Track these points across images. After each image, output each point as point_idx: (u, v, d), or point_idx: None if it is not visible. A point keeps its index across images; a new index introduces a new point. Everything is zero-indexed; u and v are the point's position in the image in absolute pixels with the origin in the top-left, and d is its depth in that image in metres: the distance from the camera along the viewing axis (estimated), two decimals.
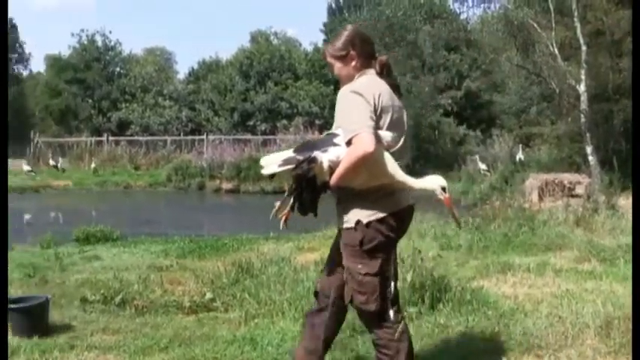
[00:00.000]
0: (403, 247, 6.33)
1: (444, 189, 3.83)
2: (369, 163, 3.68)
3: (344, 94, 3.89)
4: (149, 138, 43.28)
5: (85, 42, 60.68)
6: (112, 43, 60.94)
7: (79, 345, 5.55)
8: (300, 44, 59.37)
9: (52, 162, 36.41)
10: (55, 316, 6.37)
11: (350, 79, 4.05)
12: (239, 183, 30.32)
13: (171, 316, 6.55)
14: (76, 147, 41.43)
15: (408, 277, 6.18)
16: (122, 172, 35.10)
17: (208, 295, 7.01)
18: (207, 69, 56.79)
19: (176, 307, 6.78)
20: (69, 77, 59.75)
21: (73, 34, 70.94)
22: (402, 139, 3.97)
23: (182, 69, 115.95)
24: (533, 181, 17.59)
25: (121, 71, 59.94)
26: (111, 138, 42.41)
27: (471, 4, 30.51)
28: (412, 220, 4.16)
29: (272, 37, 60.87)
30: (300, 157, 3.84)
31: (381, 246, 3.91)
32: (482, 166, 26.89)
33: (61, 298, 7.10)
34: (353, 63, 4.07)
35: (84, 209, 19.82)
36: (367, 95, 3.80)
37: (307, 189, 3.91)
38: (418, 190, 3.86)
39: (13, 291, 7.29)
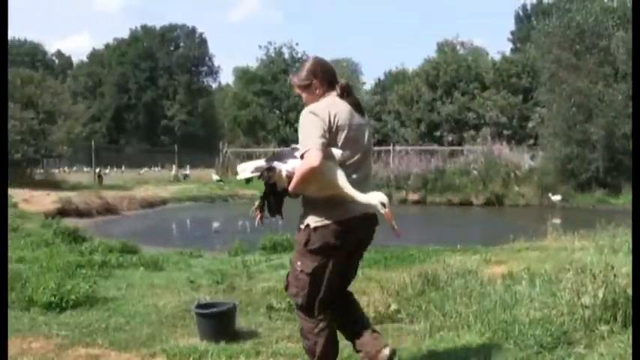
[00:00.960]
0: (595, 262, 6.05)
1: (383, 204, 4.30)
2: (316, 175, 4.22)
3: (303, 114, 4.41)
4: None
5: (273, 54, 62.49)
6: (299, 55, 62.40)
7: (264, 351, 5.69)
8: (487, 53, 58.46)
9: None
10: (241, 322, 6.57)
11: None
12: (425, 194, 30.23)
13: None
14: (264, 157, 42.68)
15: (600, 294, 5.90)
16: None
17: (393, 306, 6.99)
18: (394, 79, 57.09)
19: None
20: (257, 89, 61.72)
21: (260, 47, 73.64)
22: (359, 155, 4.50)
23: (368, 80, 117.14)
24: None
25: None
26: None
27: None
28: (373, 231, 4.67)
29: (458, 47, 60.36)
30: (265, 165, 4.51)
31: (322, 250, 4.41)
32: None
33: (247, 305, 7.32)
34: (317, 91, 4.58)
35: (270, 218, 20.36)
36: (322, 115, 4.33)
37: (272, 194, 4.61)
38: (371, 203, 4.33)
39: (202, 296, 7.60)
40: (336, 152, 4.33)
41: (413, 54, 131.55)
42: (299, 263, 4.52)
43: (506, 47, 70.61)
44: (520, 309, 6.40)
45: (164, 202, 28.12)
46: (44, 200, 22.06)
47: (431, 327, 6.27)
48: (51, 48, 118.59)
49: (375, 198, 4.33)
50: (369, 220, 4.53)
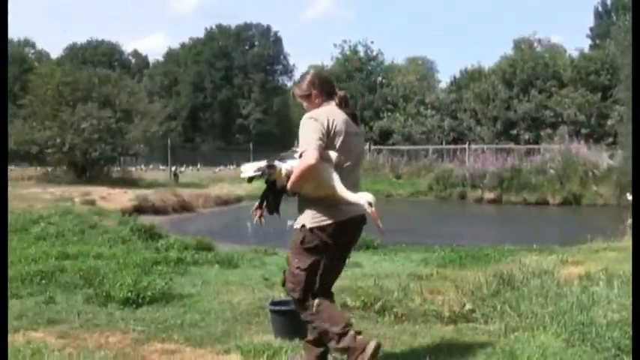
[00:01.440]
0: None
1: (370, 204, 4.68)
2: (312, 173, 4.62)
3: (303, 120, 4.86)
4: (411, 147, 43.77)
5: (348, 52, 62.52)
6: (374, 53, 62.33)
7: (339, 350, 5.69)
8: (565, 50, 57.39)
9: None
10: None
11: None
12: (501, 193, 29.88)
13: (430, 325, 6.54)
14: None
15: None
16: (383, 181, 35.72)
17: (468, 306, 6.93)
18: (470, 77, 56.52)
19: (435, 316, 6.77)
20: None
21: (335, 45, 73.66)
22: (351, 161, 4.91)
23: (444, 77, 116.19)
24: None
25: (383, 81, 61.06)
26: (373, 147, 43.33)
27: None
28: (361, 231, 5.12)
29: (535, 44, 59.45)
30: (265, 164, 4.92)
31: (317, 249, 4.83)
32: None
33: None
34: (316, 100, 5.05)
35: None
36: (321, 119, 4.78)
37: (271, 191, 5.02)
38: (360, 203, 4.70)
39: (277, 294, 7.64)
40: (332, 154, 4.74)
41: (489, 51, 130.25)
42: (296, 261, 4.92)
43: (585, 44, 69.15)
44: (597, 310, 6.28)
45: (239, 199, 28.37)
46: (121, 198, 22.51)
47: (506, 327, 6.21)
48: (128, 48, 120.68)
49: (363, 198, 4.71)
50: (359, 221, 4.97)
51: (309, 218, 4.84)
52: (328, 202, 4.77)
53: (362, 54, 62.35)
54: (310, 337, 5.14)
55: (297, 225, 4.93)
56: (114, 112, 30.72)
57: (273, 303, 6.39)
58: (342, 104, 5.03)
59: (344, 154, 4.82)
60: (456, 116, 51.78)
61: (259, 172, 4.94)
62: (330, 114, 4.85)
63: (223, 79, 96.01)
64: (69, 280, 8.76)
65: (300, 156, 4.69)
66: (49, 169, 31.77)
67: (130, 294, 7.36)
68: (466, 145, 38.14)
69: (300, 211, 4.95)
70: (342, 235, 4.90)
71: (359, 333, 4.86)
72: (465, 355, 5.41)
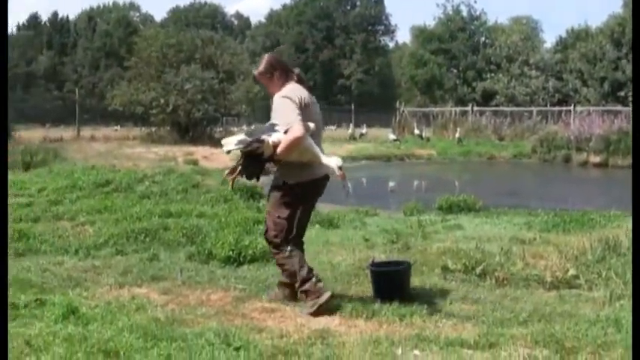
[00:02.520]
0: None
1: (339, 167, 5.62)
2: (300, 143, 5.51)
3: (277, 98, 5.72)
4: (514, 109, 42.98)
5: (450, 12, 61.67)
6: (477, 13, 61.31)
7: (438, 312, 5.65)
8: None
9: (416, 131, 37.58)
10: (415, 282, 6.55)
11: (278, 90, 5.80)
12: (607, 156, 28.94)
13: (532, 290, 6.42)
14: (441, 117, 42.29)
15: None
16: (486, 143, 35.22)
17: (571, 272, 6.76)
18: (576, 37, 54.94)
19: (537, 281, 6.63)
20: (434, 48, 61.22)
21: (437, 5, 73.03)
22: (318, 129, 5.83)
23: (549, 38, 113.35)
24: None
25: (487, 41, 60.07)
26: (475, 108, 42.71)
27: None
28: (325, 187, 6.01)
29: None
30: (251, 139, 5.60)
31: (295, 201, 5.83)
32: None
33: (422, 265, 7.28)
34: (278, 81, 5.89)
35: (447, 179, 20.21)
36: (294, 97, 5.64)
37: (253, 161, 5.69)
38: (330, 165, 5.65)
39: (377, 255, 7.63)
40: (310, 125, 5.64)
41: (597, 10, 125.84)
42: (277, 211, 5.85)
43: None
44: None
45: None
46: (223, 158, 22.77)
47: (611, 295, 6.04)
48: (230, 10, 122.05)
49: (333, 161, 5.64)
50: (325, 180, 5.97)
51: (291, 177, 5.79)
52: (305, 165, 5.72)
53: (465, 14, 61.44)
54: (282, 278, 6.10)
55: (279, 182, 5.87)
56: (216, 73, 31.09)
57: (374, 264, 6.38)
58: (301, 81, 5.96)
59: (314, 123, 5.74)
60: (561, 77, 50.52)
61: (241, 145, 5.64)
62: (298, 91, 5.75)
63: (325, 39, 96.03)
64: (172, 238, 8.96)
65: (286, 132, 5.50)
66: (153, 129, 32.41)
67: (231, 252, 7.47)
68: (571, 107, 37.13)
69: (281, 172, 5.86)
70: (315, 190, 5.97)
71: (319, 281, 5.86)
72: (567, 322, 5.28)
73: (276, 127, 5.62)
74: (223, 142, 5.90)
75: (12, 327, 5.01)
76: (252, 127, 6.44)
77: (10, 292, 6.01)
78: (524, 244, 8.57)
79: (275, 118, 5.69)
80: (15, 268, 7.33)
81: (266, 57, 6.05)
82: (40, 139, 26.07)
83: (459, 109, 44.15)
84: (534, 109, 42.29)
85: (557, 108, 41.48)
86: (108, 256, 8.14)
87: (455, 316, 5.55)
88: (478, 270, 6.88)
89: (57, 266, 7.50)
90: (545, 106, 44.42)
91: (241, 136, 5.77)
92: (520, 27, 66.19)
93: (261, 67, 5.93)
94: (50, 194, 12.80)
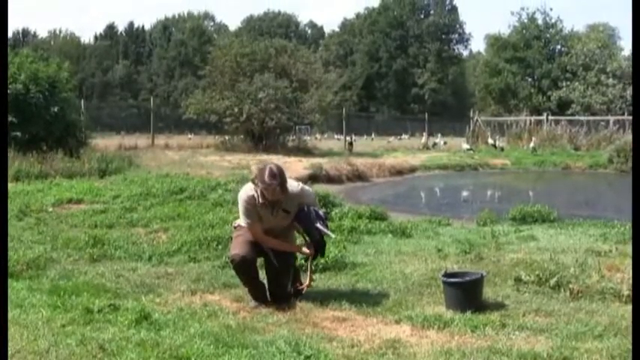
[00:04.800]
0: None
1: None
2: None
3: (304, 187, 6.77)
4: (590, 118, 42.19)
5: (525, 20, 60.97)
6: (553, 21, 60.40)
7: (511, 324, 5.56)
8: None
9: (490, 140, 37.25)
10: (488, 293, 6.46)
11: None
12: None
13: (608, 304, 6.26)
14: (515, 126, 41.81)
15: None
16: (561, 153, 34.68)
17: None
18: None
19: (613, 294, 6.46)
20: (509, 56, 60.53)
21: (512, 13, 72.20)
22: None
23: (627, 45, 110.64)
24: None
25: (562, 49, 59.17)
26: (550, 117, 42.08)
27: None
28: None
29: None
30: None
31: None
32: None
33: (495, 276, 7.18)
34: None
35: (521, 188, 19.96)
36: None
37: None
38: None
39: (449, 265, 7.55)
40: None
41: None
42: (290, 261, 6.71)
43: None
44: None
45: (413, 169, 28.29)
46: (296, 166, 22.92)
47: None
48: (303, 19, 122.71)
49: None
50: None
51: None
52: None
53: (540, 21, 60.56)
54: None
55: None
56: (290, 82, 31.23)
57: (447, 274, 6.32)
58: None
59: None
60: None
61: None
62: None
63: (398, 48, 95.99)
64: None
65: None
66: (227, 137, 32.70)
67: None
68: None
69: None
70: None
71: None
72: None
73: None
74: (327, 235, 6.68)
75: (86, 331, 5.12)
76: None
77: (85, 297, 6.14)
78: (600, 255, 8.38)
79: (311, 203, 6.70)
80: (90, 273, 7.49)
81: (279, 174, 6.30)
82: (115, 147, 26.60)
83: (533, 118, 43.53)
84: (611, 118, 41.45)
85: (629, 117, 40.54)
86: (180, 263, 8.24)
87: (528, 329, 5.46)
88: (552, 282, 6.75)
89: (130, 272, 7.63)
90: (623, 115, 43.44)
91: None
92: (597, 34, 64.89)
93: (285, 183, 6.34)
94: (125, 201, 13.01)
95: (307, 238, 6.60)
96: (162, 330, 5.24)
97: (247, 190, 6.38)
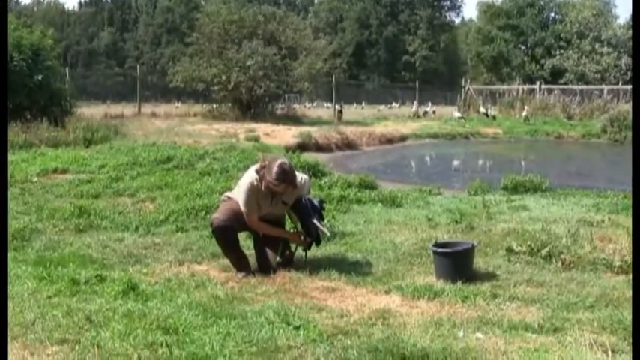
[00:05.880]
0: None
1: None
2: None
3: (304, 179, 6.75)
4: (584, 87, 42.18)
5: None
6: None
7: (502, 294, 5.59)
8: None
9: (482, 109, 37.26)
10: (479, 263, 6.50)
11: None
12: None
13: (599, 275, 6.29)
14: (507, 94, 41.79)
15: None
16: (554, 122, 34.71)
17: None
18: None
19: (605, 265, 6.50)
20: (501, 23, 60.45)
21: None
22: None
23: (622, 13, 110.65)
24: None
25: (556, 16, 59.06)
26: (543, 86, 42.05)
27: None
28: None
29: None
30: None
31: None
32: None
33: (486, 246, 7.21)
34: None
35: (513, 158, 19.98)
36: None
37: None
38: None
39: (440, 235, 7.58)
40: None
41: None
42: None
43: None
44: None
45: (403, 138, 28.30)
46: (285, 134, 22.90)
47: None
48: None
49: None
50: None
51: None
52: None
53: None
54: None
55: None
56: (279, 50, 31.09)
57: (437, 244, 6.34)
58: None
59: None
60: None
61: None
62: None
63: (389, 15, 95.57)
64: None
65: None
66: (215, 105, 32.59)
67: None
68: None
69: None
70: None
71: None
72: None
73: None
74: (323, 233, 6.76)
75: (73, 302, 5.12)
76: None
77: (71, 268, 6.14)
78: (592, 226, 8.41)
79: (307, 194, 6.82)
80: (76, 244, 7.49)
81: (290, 172, 6.35)
82: (101, 116, 26.43)
83: (526, 86, 43.49)
84: (605, 87, 41.47)
85: (629, 86, 40.53)
86: (168, 233, 8.24)
87: (519, 299, 5.49)
88: (544, 252, 6.79)
89: (117, 242, 7.63)
90: (617, 84, 43.45)
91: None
92: (592, 2, 64.70)
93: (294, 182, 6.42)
94: (111, 171, 12.97)
95: (299, 227, 6.73)
96: (150, 301, 5.24)
97: (252, 180, 6.40)
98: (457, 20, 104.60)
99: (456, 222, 8.65)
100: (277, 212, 6.67)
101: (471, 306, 5.34)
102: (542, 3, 60.77)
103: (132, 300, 5.25)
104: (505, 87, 44.82)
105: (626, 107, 32.32)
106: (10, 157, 14.46)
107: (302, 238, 6.70)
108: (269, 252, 6.55)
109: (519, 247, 6.95)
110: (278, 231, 6.72)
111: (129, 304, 5.07)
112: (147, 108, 33.71)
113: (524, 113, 35.45)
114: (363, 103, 58.83)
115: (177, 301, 5.23)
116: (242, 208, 6.45)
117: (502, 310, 5.20)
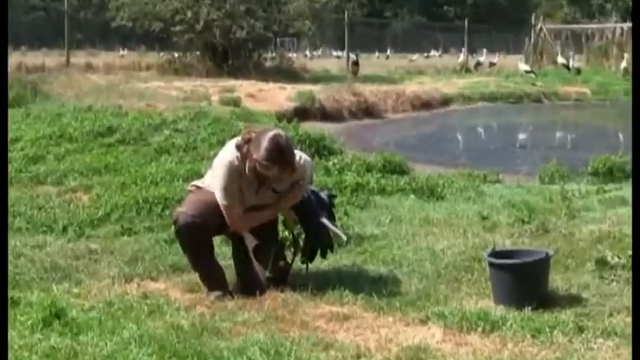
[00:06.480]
0: None
1: None
2: None
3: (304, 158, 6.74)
4: None
5: None
6: None
7: (591, 327, 5.51)
8: None
9: (561, 59, 37.15)
10: (557, 281, 6.49)
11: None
12: None
13: None
14: (598, 37, 41.61)
15: None
16: None
17: None
18: None
19: None
20: None
21: None
22: None
23: None
24: None
25: None
26: None
27: None
28: None
29: None
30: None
31: None
32: None
33: (567, 257, 7.19)
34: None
35: (606, 129, 19.95)
36: None
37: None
38: None
39: (500, 240, 7.56)
40: None
41: None
42: None
43: None
44: None
45: (446, 101, 28.35)
46: (277, 96, 22.92)
47: None
48: None
49: None
50: None
51: None
52: None
53: None
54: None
55: None
56: None
57: (495, 254, 6.31)
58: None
59: None
60: None
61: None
62: None
63: None
64: None
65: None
66: (176, 54, 32.55)
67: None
68: None
69: None
70: None
71: None
72: None
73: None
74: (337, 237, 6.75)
75: None
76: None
77: None
78: None
79: (307, 179, 6.74)
80: None
81: (287, 150, 6.30)
82: (13, 68, 26.40)
83: (625, 25, 43.20)
84: None
85: None
86: (109, 237, 8.26)
87: (616, 335, 5.45)
88: None
89: (36, 250, 7.63)
90: None
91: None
92: None
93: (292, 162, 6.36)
94: (27, 147, 12.98)
95: (296, 231, 6.85)
96: (83, 334, 5.24)
97: (232, 159, 6.33)
98: None
99: (523, 222, 8.65)
100: (264, 203, 6.59)
101: (545, 344, 5.31)
102: None
103: (57, 333, 5.24)
104: (595, 26, 44.67)
105: None
106: None
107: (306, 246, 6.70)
108: (255, 263, 6.52)
109: (616, 259, 6.94)
110: (271, 212, 6.67)
111: (52, 340, 5.07)
112: (79, 57, 33.81)
113: (623, 64, 35.34)
114: (389, 51, 58.90)
115: (122, 334, 5.22)
116: (219, 199, 6.32)
117: (592, 351, 5.18)
